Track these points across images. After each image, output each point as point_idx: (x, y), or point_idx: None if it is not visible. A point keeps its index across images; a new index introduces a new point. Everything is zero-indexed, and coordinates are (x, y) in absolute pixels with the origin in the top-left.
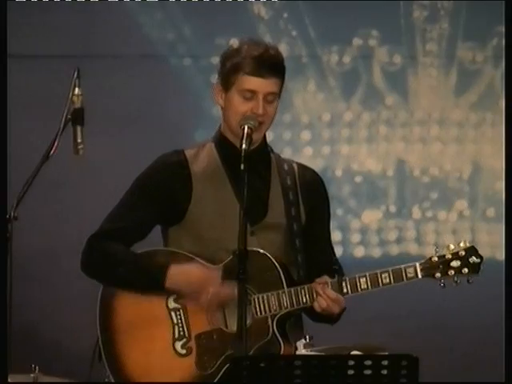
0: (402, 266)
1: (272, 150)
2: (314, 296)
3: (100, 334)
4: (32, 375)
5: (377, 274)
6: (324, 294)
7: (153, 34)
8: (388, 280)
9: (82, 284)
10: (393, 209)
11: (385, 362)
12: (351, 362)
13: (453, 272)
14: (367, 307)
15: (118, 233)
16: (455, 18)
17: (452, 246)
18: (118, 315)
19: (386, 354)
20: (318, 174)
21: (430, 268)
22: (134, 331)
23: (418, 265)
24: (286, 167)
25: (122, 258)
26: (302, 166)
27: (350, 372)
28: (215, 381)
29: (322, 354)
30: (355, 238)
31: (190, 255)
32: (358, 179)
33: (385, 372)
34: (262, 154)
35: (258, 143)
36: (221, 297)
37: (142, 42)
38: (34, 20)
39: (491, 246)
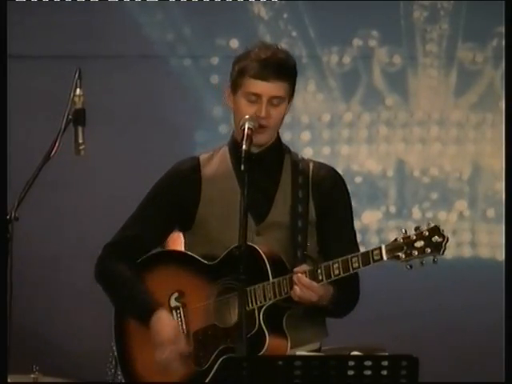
0: (370, 249)
1: (289, 151)
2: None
3: (115, 339)
4: (32, 375)
5: (347, 258)
6: (299, 283)
7: (153, 35)
8: (357, 264)
9: (82, 284)
10: (393, 209)
11: (385, 363)
12: (351, 363)
13: (416, 252)
14: (367, 308)
15: (132, 241)
16: (455, 18)
17: (419, 228)
18: (129, 321)
19: (386, 354)
20: (335, 171)
21: (394, 249)
22: (143, 333)
23: (383, 247)
24: (300, 166)
25: (121, 282)
26: (318, 164)
27: (350, 372)
28: (210, 375)
29: (322, 354)
30: None
31: (188, 253)
32: (358, 180)
33: (385, 372)
34: (274, 154)
35: (270, 143)
36: (170, 367)
37: (142, 43)
38: (34, 20)
39: (491, 246)
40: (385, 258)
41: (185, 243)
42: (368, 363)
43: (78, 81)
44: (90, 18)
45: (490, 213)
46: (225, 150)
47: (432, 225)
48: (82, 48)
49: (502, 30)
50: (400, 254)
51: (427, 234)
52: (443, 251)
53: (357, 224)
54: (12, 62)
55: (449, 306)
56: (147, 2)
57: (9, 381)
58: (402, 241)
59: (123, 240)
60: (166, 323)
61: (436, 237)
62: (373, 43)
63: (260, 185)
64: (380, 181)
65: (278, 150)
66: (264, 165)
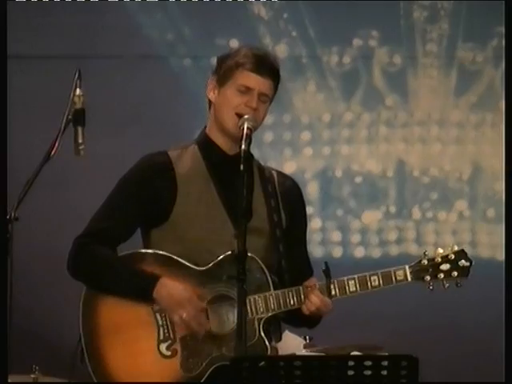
0: (392, 269)
1: (253, 156)
2: (302, 298)
3: (83, 335)
4: (32, 375)
5: (366, 276)
6: (317, 297)
7: (153, 35)
8: (377, 283)
9: (82, 284)
10: (393, 209)
11: (385, 363)
12: (351, 363)
13: (442, 275)
14: (367, 307)
15: (102, 233)
16: (455, 18)
17: (441, 250)
18: (101, 316)
19: (386, 354)
20: (296, 183)
21: (419, 271)
22: (118, 333)
23: (407, 268)
24: (266, 174)
25: (110, 263)
26: (281, 174)
27: (350, 373)
28: (201, 382)
29: (323, 354)
30: (355, 238)
31: (175, 257)
32: (358, 180)
33: (385, 372)
34: (247, 159)
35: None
36: (192, 325)
37: (142, 43)
38: (34, 20)
39: (491, 246)
40: (409, 279)
41: (147, 240)
42: (368, 363)
43: (78, 81)
44: (90, 18)
45: (490, 213)
46: (194, 149)
47: (458, 248)
48: (82, 48)
49: (502, 30)
50: (426, 276)
51: (453, 257)
52: (469, 275)
53: (357, 224)
54: (12, 62)
55: (449, 305)
56: (147, 2)
57: (9, 381)
58: (426, 263)
59: (98, 232)
60: (175, 286)
61: (463, 261)
62: (373, 43)
63: (237, 189)
64: (380, 181)
65: (249, 155)
66: (239, 168)
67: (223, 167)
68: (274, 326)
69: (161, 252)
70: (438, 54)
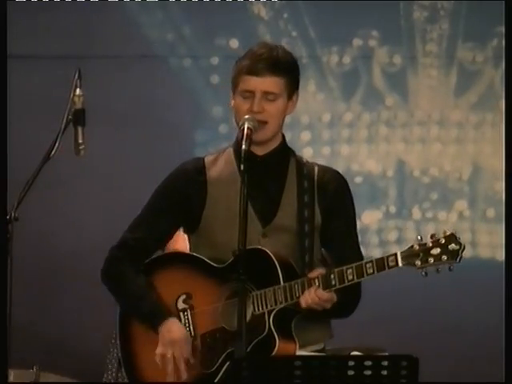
0: (385, 256)
1: (294, 154)
2: None
3: (119, 341)
4: (32, 373)
5: (362, 264)
6: (314, 294)
7: (152, 35)
8: (372, 270)
9: (82, 284)
10: (393, 209)
11: (385, 363)
12: (351, 363)
13: (432, 260)
14: (367, 308)
15: (137, 243)
16: (455, 18)
17: (435, 235)
18: (135, 322)
19: (386, 354)
20: (340, 175)
21: (410, 256)
22: (149, 332)
23: (399, 253)
24: (305, 170)
25: (132, 291)
26: (323, 168)
27: (350, 372)
28: (217, 378)
29: (323, 354)
30: None
31: (200, 257)
32: (358, 180)
33: (385, 372)
34: (280, 157)
35: (275, 146)
36: (166, 366)
37: (142, 43)
38: (34, 20)
39: (491, 246)
40: (400, 264)
41: (190, 245)
42: (368, 363)
43: (78, 81)
44: (89, 18)
45: (490, 213)
46: (230, 152)
47: (448, 232)
48: (82, 48)
49: (502, 30)
50: (416, 261)
51: (443, 241)
52: (460, 259)
53: (357, 224)
54: (12, 62)
55: (449, 306)
56: (147, 2)
57: (9, 380)
58: (417, 248)
59: (131, 242)
60: (175, 329)
61: (453, 244)
62: (373, 43)
63: (266, 187)
64: (380, 181)
65: (284, 153)
66: (270, 168)
67: (252, 167)
68: (324, 322)
69: (181, 251)
70: (438, 54)
